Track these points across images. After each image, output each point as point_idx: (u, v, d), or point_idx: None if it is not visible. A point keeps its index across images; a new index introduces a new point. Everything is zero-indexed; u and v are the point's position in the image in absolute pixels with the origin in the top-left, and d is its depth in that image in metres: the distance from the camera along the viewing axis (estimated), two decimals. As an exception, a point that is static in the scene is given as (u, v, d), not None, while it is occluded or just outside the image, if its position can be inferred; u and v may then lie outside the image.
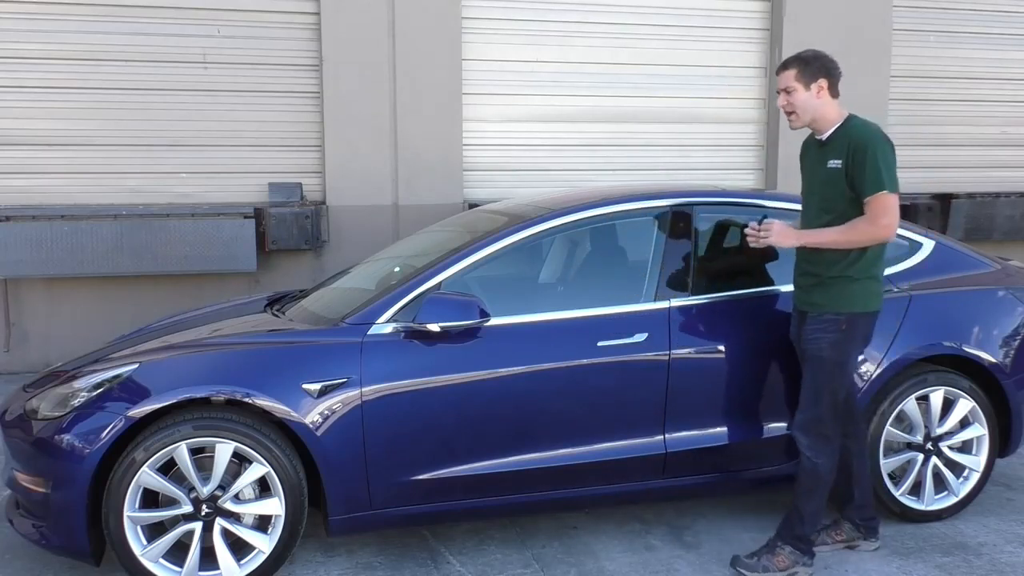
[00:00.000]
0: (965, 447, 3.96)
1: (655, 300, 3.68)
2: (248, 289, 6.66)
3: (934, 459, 3.90)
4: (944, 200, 7.94)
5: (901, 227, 4.12)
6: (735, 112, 7.85)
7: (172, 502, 3.22)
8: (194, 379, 3.27)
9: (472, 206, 6.51)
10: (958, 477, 3.96)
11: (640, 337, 3.59)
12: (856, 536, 3.67)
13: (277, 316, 3.93)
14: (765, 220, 3.42)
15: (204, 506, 3.22)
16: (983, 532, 3.88)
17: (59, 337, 6.56)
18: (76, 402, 3.22)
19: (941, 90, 8.30)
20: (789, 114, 3.44)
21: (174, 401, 3.17)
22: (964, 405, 3.89)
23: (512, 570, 3.52)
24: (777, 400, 3.71)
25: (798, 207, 3.65)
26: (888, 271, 3.93)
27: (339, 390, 3.29)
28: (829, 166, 3.35)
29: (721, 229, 3.97)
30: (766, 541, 3.49)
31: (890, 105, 7.95)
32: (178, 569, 3.20)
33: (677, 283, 3.72)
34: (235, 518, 3.28)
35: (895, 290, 3.90)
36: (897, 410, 3.82)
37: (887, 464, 3.84)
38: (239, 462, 3.26)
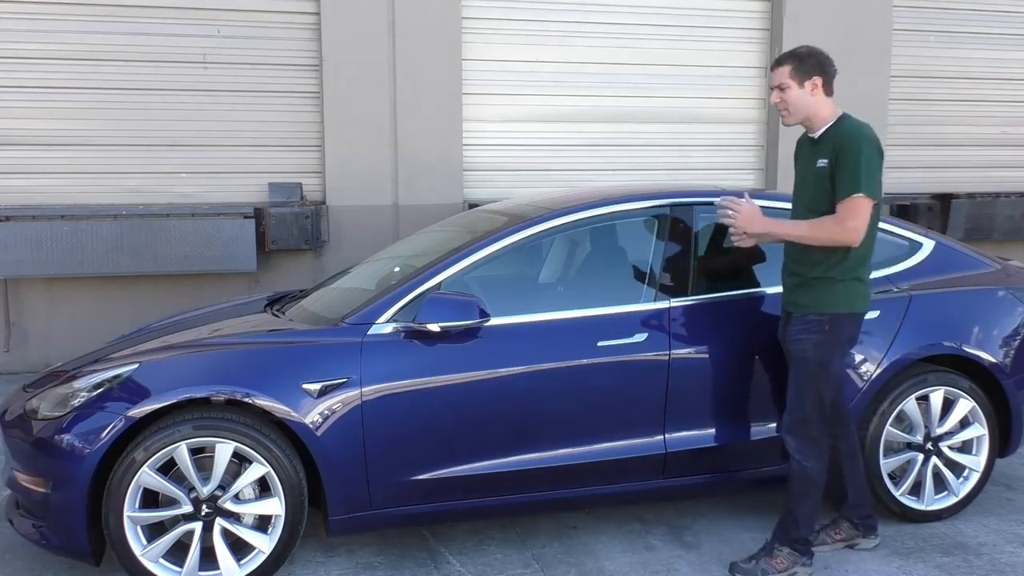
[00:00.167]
0: (965, 447, 3.96)
1: (655, 300, 3.68)
2: (248, 289, 6.66)
3: (934, 459, 3.90)
4: (944, 200, 7.95)
5: (901, 227, 4.13)
6: (735, 112, 7.85)
7: (172, 502, 3.22)
8: (194, 379, 3.27)
9: (472, 206, 6.51)
10: (958, 477, 3.96)
11: (640, 337, 3.59)
12: (855, 534, 3.67)
13: (277, 316, 3.93)
14: (744, 197, 3.37)
15: (204, 506, 3.22)
16: (983, 532, 3.88)
17: (59, 337, 6.56)
18: (76, 402, 3.22)
19: (941, 90, 8.30)
20: (782, 111, 3.42)
21: (174, 401, 3.17)
22: (964, 405, 3.89)
23: (512, 570, 3.52)
24: (777, 400, 3.71)
25: None
26: (888, 271, 3.94)
27: (339, 390, 3.29)
28: (818, 165, 3.33)
29: (721, 229, 3.96)
30: (763, 544, 3.49)
31: (890, 105, 7.95)
32: (178, 569, 3.20)
33: (677, 283, 3.72)
34: (235, 518, 3.28)
35: (895, 290, 3.90)
36: (897, 410, 3.82)
37: (887, 464, 3.84)
38: (239, 462, 3.26)
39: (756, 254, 3.76)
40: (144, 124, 6.70)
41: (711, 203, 3.92)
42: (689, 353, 3.63)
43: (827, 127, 3.35)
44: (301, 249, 6.78)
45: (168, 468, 3.20)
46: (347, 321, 3.47)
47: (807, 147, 3.45)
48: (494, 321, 3.45)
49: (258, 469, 3.23)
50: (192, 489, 3.22)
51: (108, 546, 3.22)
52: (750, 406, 3.72)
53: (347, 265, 4.86)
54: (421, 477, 3.40)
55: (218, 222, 6.48)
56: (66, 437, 3.16)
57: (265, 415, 3.25)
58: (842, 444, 3.57)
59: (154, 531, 3.23)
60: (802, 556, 3.41)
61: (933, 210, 7.94)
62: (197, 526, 3.22)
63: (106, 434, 3.12)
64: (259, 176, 6.95)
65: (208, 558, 3.22)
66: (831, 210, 3.27)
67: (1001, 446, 4.02)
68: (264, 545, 3.27)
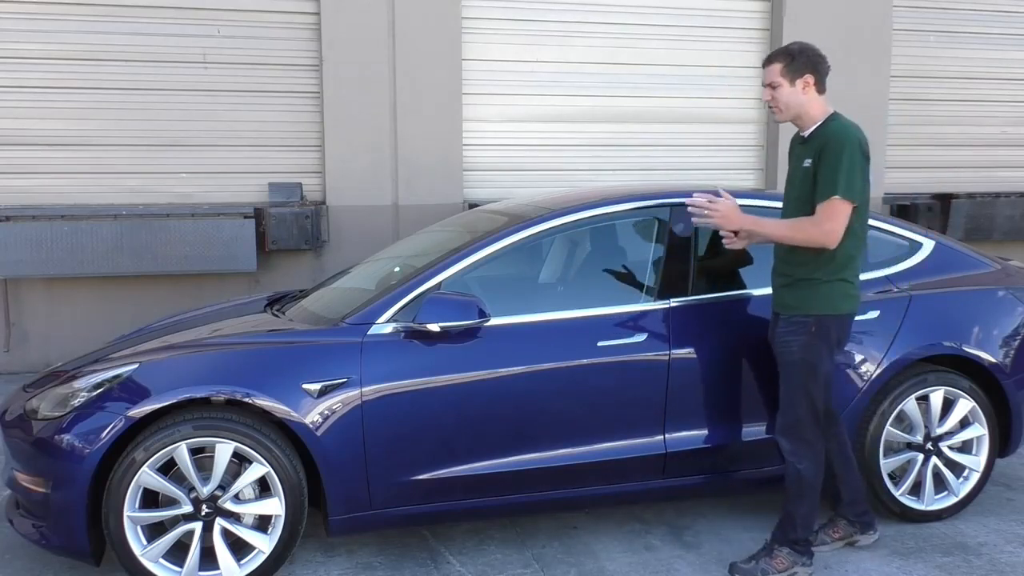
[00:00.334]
0: (965, 447, 3.96)
1: (655, 300, 3.68)
2: (248, 289, 6.66)
3: (934, 459, 3.90)
4: (944, 200, 7.95)
5: (901, 227, 4.13)
6: (735, 112, 7.85)
7: (172, 502, 3.22)
8: (194, 379, 3.27)
9: (472, 206, 6.51)
10: (958, 477, 3.96)
11: (640, 337, 3.59)
12: (853, 531, 3.66)
13: (277, 316, 3.93)
14: (721, 195, 3.34)
15: (204, 506, 3.22)
16: (983, 532, 3.88)
17: (59, 337, 6.56)
18: (76, 402, 3.22)
19: (941, 90, 8.31)
20: (772, 109, 3.40)
21: (174, 401, 3.17)
22: (964, 405, 3.89)
23: (512, 570, 3.52)
24: (777, 400, 3.71)
25: None
26: (888, 271, 3.95)
27: (339, 390, 3.29)
28: (804, 165, 3.31)
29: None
30: (763, 544, 3.49)
31: (890, 105, 7.95)
32: (178, 569, 3.20)
33: (677, 283, 3.71)
34: (235, 518, 3.27)
35: (895, 290, 3.90)
36: (897, 410, 3.82)
37: (887, 464, 3.84)
38: (239, 462, 3.26)
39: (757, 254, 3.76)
40: (144, 124, 6.70)
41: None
42: (689, 353, 3.63)
43: (816, 126, 3.33)
44: (301, 249, 6.78)
45: (168, 468, 3.20)
46: (347, 321, 3.47)
47: (798, 146, 3.44)
48: (494, 321, 3.45)
49: (258, 469, 3.23)
50: (192, 489, 3.22)
51: (108, 546, 3.22)
52: (750, 406, 3.72)
53: (347, 265, 4.86)
54: (421, 477, 3.40)
55: (218, 222, 6.48)
56: (66, 437, 3.16)
57: (265, 415, 3.25)
58: (832, 444, 3.55)
59: (154, 531, 3.23)
60: (802, 556, 3.41)
61: (933, 210, 7.94)
62: (197, 526, 3.21)
63: (106, 434, 3.12)
64: (259, 176, 6.95)
65: (208, 558, 3.22)
66: (811, 209, 3.26)
67: (1001, 446, 4.02)
68: (264, 545, 3.27)
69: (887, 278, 3.93)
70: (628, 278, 3.82)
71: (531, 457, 3.50)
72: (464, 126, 7.21)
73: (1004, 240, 7.97)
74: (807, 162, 3.29)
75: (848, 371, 3.76)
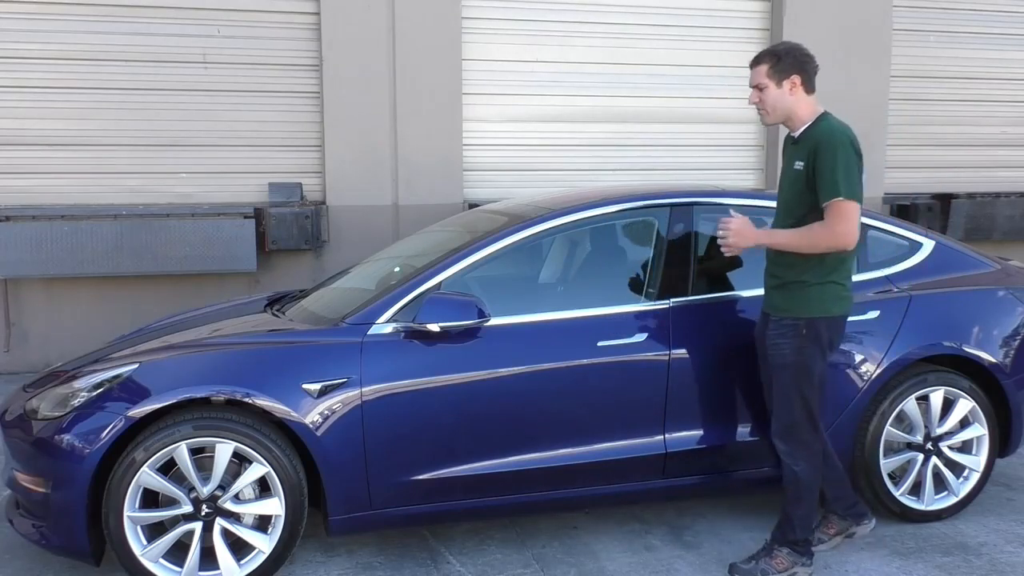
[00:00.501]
0: (965, 447, 3.96)
1: (655, 300, 3.68)
2: (248, 289, 6.66)
3: (934, 459, 3.90)
4: (944, 200, 7.95)
5: (901, 227, 4.13)
6: (735, 112, 7.84)
7: (172, 502, 3.22)
8: (194, 379, 3.27)
9: (472, 206, 6.51)
10: (958, 477, 3.96)
11: (640, 337, 3.59)
12: (847, 525, 3.61)
13: (277, 316, 3.93)
14: (730, 215, 3.33)
15: (204, 506, 3.22)
16: (983, 532, 3.88)
17: (59, 337, 6.56)
18: (76, 402, 3.22)
19: (941, 90, 8.31)
20: (760, 111, 3.37)
21: (174, 401, 3.17)
22: (964, 405, 3.89)
23: (512, 570, 3.52)
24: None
25: None
26: (888, 271, 3.95)
27: (339, 390, 3.29)
28: (795, 167, 3.28)
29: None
30: (763, 544, 3.49)
31: (890, 105, 7.95)
32: (178, 569, 3.20)
33: (677, 283, 3.71)
34: (235, 518, 3.27)
35: (895, 290, 3.90)
36: (897, 410, 3.82)
37: (887, 464, 3.84)
38: (239, 462, 3.26)
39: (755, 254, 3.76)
40: (144, 124, 6.70)
41: (711, 203, 3.94)
42: (689, 353, 3.62)
43: (805, 127, 3.30)
44: (301, 249, 6.78)
45: (168, 468, 3.20)
46: (347, 321, 3.47)
47: (789, 146, 3.41)
48: (494, 321, 3.45)
49: (258, 469, 3.23)
50: (192, 489, 3.22)
51: (108, 546, 3.22)
52: (750, 406, 3.72)
53: (347, 265, 4.86)
54: (421, 477, 3.40)
55: (218, 222, 6.48)
56: (66, 437, 3.16)
57: (265, 415, 3.25)
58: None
59: (154, 531, 3.23)
60: (802, 556, 3.41)
61: (933, 210, 7.94)
62: (197, 526, 3.21)
63: (106, 434, 3.12)
64: (259, 176, 6.95)
65: (208, 558, 3.22)
66: (806, 213, 3.24)
67: (1001, 446, 4.02)
68: (264, 545, 3.27)
69: (887, 278, 3.93)
70: (628, 278, 3.82)
71: (531, 457, 3.50)
72: (464, 126, 7.21)
73: (1004, 240, 7.96)
74: (798, 164, 3.27)
75: (848, 371, 3.76)
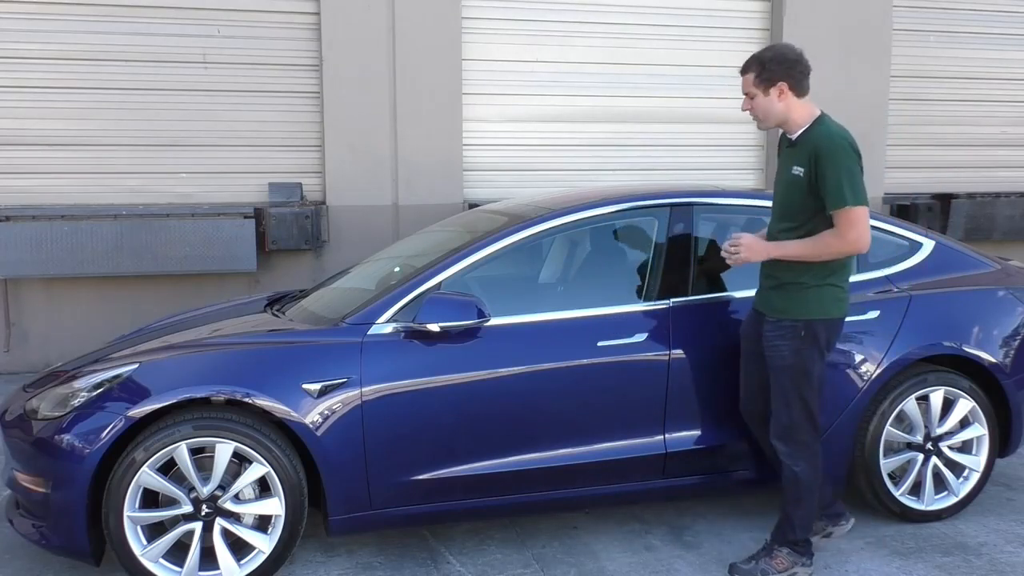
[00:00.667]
0: (965, 447, 3.96)
1: (655, 300, 3.68)
2: (248, 289, 6.66)
3: (934, 459, 3.90)
4: (944, 200, 7.95)
5: (901, 227, 4.13)
6: (735, 112, 7.68)
7: (172, 502, 3.22)
8: (194, 379, 3.27)
9: (472, 206, 6.51)
10: (958, 477, 3.96)
11: (640, 337, 3.59)
12: (825, 525, 3.60)
13: (277, 316, 3.93)
14: (734, 235, 3.33)
15: (204, 506, 3.22)
16: (983, 532, 3.88)
17: (59, 337, 6.56)
18: (76, 402, 3.22)
19: (941, 90, 8.30)
20: (753, 118, 3.36)
21: (174, 401, 3.17)
22: (964, 405, 3.89)
23: (512, 570, 3.52)
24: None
25: None
26: (888, 271, 3.95)
27: (339, 390, 3.29)
28: (793, 172, 3.26)
29: (721, 229, 3.97)
30: (763, 544, 3.49)
31: (890, 105, 7.95)
32: (178, 569, 3.20)
33: (677, 283, 3.71)
34: (235, 518, 3.27)
35: (895, 290, 3.90)
36: (897, 410, 3.82)
37: (887, 464, 3.84)
38: (239, 462, 3.26)
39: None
40: (144, 124, 6.70)
41: (711, 203, 3.94)
42: (689, 353, 3.62)
43: (802, 131, 3.28)
44: (301, 249, 6.77)
45: (168, 468, 3.20)
46: (347, 321, 3.47)
47: (786, 147, 3.40)
48: (494, 321, 3.45)
49: (258, 469, 3.23)
50: (192, 489, 3.22)
51: (108, 546, 3.22)
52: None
53: (347, 265, 4.86)
54: (421, 477, 3.40)
55: (218, 222, 6.48)
56: (66, 437, 3.16)
57: (265, 415, 3.25)
58: None
59: (154, 531, 3.23)
60: (802, 556, 3.41)
61: (933, 210, 7.94)
62: (197, 526, 3.21)
63: (106, 434, 3.12)
64: (259, 176, 6.94)
65: (208, 558, 3.22)
66: (809, 219, 3.23)
67: (1001, 446, 4.02)
68: (264, 545, 3.27)
69: (887, 278, 3.93)
70: (628, 278, 3.81)
71: (531, 457, 3.50)
72: (464, 126, 7.21)
73: (1004, 240, 7.96)
74: (797, 170, 3.24)
75: (848, 371, 3.76)
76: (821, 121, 3.27)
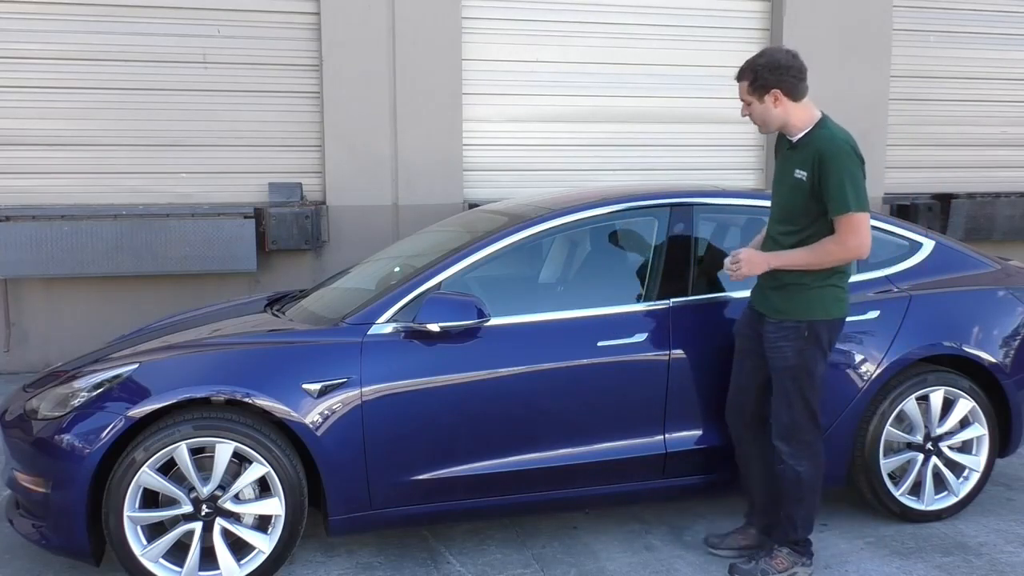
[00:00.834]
0: (965, 447, 3.96)
1: (655, 300, 3.68)
2: (248, 289, 6.66)
3: (934, 459, 3.90)
4: (944, 200, 7.95)
5: (901, 227, 4.13)
6: (735, 112, 7.70)
7: (172, 502, 3.22)
8: (194, 379, 3.27)
9: (472, 206, 6.51)
10: (958, 477, 3.96)
11: (640, 337, 3.59)
12: (763, 540, 3.55)
13: (277, 316, 3.94)
14: (732, 254, 3.32)
15: (204, 506, 3.22)
16: (983, 532, 3.88)
17: (59, 337, 6.56)
18: (76, 402, 3.22)
19: (941, 90, 8.30)
20: (755, 123, 3.37)
21: (174, 401, 3.17)
22: (964, 405, 3.89)
23: (512, 570, 3.52)
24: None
25: None
26: (888, 271, 3.95)
27: (339, 390, 3.29)
28: (795, 175, 3.24)
29: (721, 229, 3.97)
30: (763, 545, 3.49)
31: (890, 105, 7.95)
32: (178, 569, 3.20)
33: (677, 283, 3.71)
34: (235, 518, 3.27)
35: (895, 290, 3.90)
36: (897, 410, 3.82)
37: (887, 464, 3.84)
38: (239, 462, 3.26)
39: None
40: (144, 124, 6.70)
41: (711, 203, 3.94)
42: (689, 353, 3.62)
43: (803, 134, 3.27)
44: (301, 249, 6.77)
45: (168, 468, 3.20)
46: (347, 321, 3.47)
47: (785, 150, 3.39)
48: (494, 321, 3.45)
49: (258, 469, 3.23)
50: (192, 489, 3.22)
51: (108, 546, 3.22)
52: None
53: (347, 265, 4.86)
54: (421, 477, 3.40)
55: (218, 222, 6.48)
56: (66, 437, 3.16)
57: (265, 415, 3.25)
58: (755, 448, 3.51)
59: (154, 531, 3.23)
60: (802, 556, 3.41)
61: (933, 210, 7.94)
62: (197, 526, 3.21)
63: (106, 434, 3.12)
64: (259, 176, 6.94)
65: (208, 558, 3.22)
66: (811, 222, 3.23)
67: (1001, 446, 4.02)
68: (264, 545, 3.27)
69: (887, 278, 3.93)
70: (628, 278, 3.82)
71: (531, 457, 3.50)
72: (464, 126, 7.21)
73: (1004, 240, 7.96)
74: (799, 173, 3.23)
75: (848, 371, 3.76)
76: (823, 124, 3.26)
